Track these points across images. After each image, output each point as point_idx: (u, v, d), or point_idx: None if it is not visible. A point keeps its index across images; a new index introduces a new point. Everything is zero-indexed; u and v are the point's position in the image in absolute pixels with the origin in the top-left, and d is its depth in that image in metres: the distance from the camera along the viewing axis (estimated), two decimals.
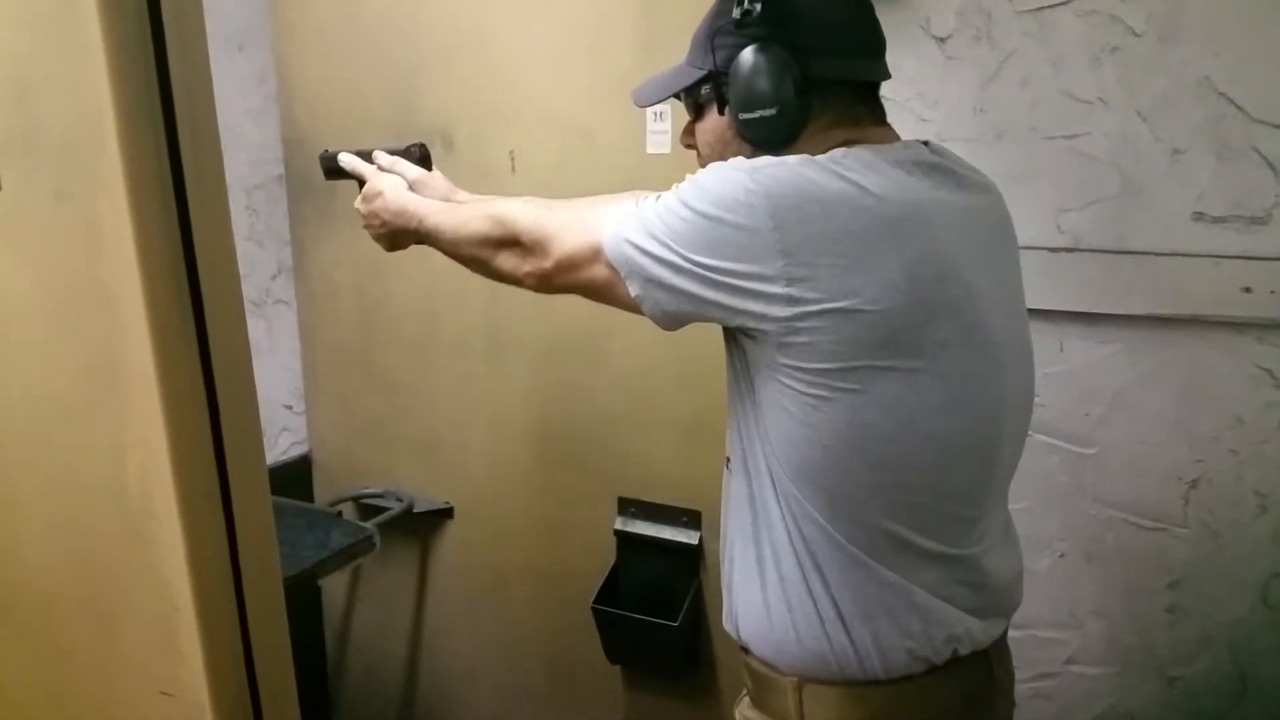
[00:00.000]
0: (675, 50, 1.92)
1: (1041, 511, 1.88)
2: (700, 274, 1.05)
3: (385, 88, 2.21)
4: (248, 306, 2.61)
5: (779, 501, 1.14)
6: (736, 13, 1.15)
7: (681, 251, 1.05)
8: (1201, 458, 1.76)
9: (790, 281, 1.01)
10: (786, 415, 1.09)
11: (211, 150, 0.90)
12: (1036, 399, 1.79)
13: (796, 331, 1.03)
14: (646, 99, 1.33)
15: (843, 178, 1.04)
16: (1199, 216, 1.69)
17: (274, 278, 2.58)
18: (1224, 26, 1.62)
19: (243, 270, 2.55)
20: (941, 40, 1.80)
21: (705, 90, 1.24)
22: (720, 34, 1.20)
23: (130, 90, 0.83)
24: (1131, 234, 1.73)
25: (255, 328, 2.62)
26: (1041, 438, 1.85)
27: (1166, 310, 1.72)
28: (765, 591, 1.18)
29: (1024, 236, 1.76)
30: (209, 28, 2.54)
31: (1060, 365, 1.81)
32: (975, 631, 1.18)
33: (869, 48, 1.22)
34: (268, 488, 0.98)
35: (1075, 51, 1.72)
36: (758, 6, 1.13)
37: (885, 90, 1.82)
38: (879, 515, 1.11)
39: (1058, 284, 1.77)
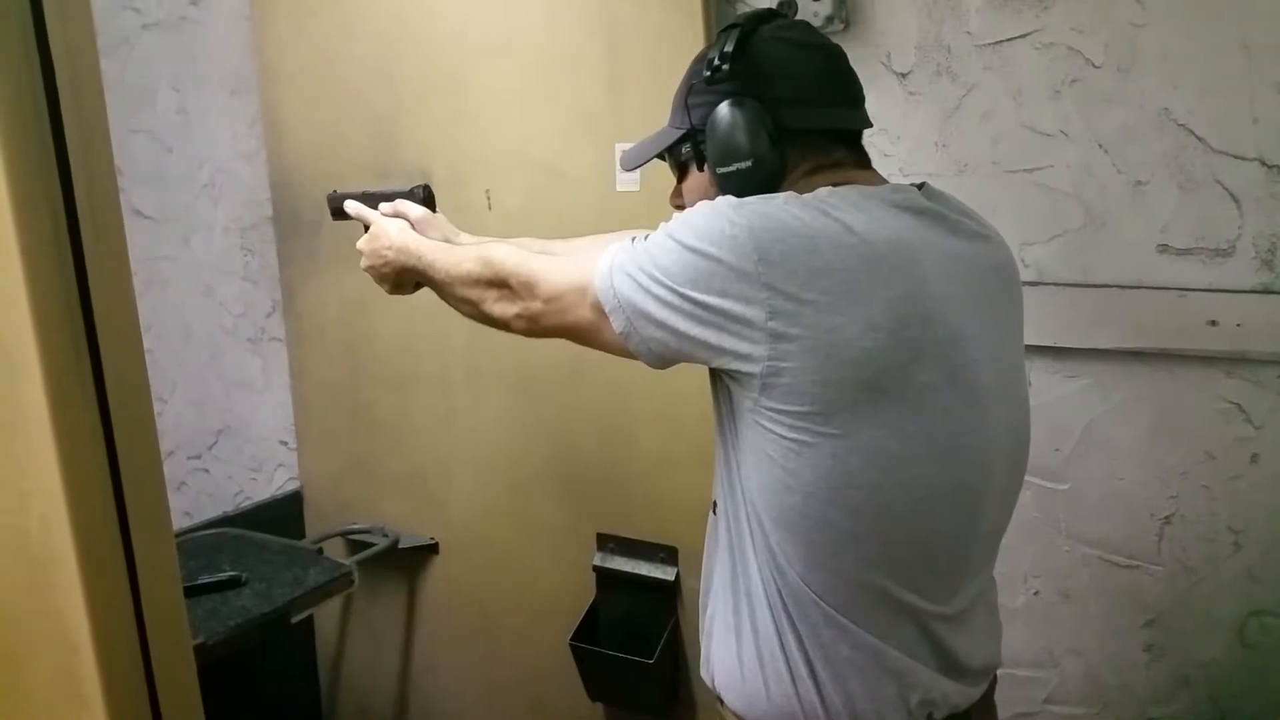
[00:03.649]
0: (641, 90, 1.95)
1: (1015, 549, 1.85)
2: (687, 309, 1.04)
3: (367, 130, 2.26)
4: (244, 344, 2.66)
5: (757, 552, 1.13)
6: (707, 70, 1.17)
7: (670, 285, 1.05)
8: (1174, 493, 1.73)
9: (773, 315, 1.00)
10: (768, 461, 1.08)
11: (108, 195, 0.91)
12: None
13: (779, 372, 1.02)
14: (631, 162, 1.35)
15: (828, 215, 1.04)
16: (1163, 248, 1.67)
17: (269, 315, 2.62)
18: (1180, 58, 1.61)
19: (239, 309, 2.61)
20: (903, 75, 1.80)
21: (685, 149, 1.25)
22: (694, 93, 1.21)
23: (21, 145, 0.85)
24: (1096, 267, 1.72)
25: (251, 365, 2.66)
26: None
27: (1133, 344, 1.70)
28: (740, 643, 1.17)
29: None
30: (202, 71, 2.60)
31: (1030, 400, 1.79)
32: (952, 695, 1.15)
33: (844, 97, 1.22)
34: (170, 531, 0.99)
35: (1035, 84, 1.71)
36: (726, 62, 1.14)
37: None
38: (858, 566, 1.09)
39: (1024, 318, 1.74)
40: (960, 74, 1.76)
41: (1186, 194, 1.64)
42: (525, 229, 2.06)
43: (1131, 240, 1.69)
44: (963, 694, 1.17)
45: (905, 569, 1.10)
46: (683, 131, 1.24)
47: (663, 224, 1.10)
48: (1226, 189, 1.62)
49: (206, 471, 2.81)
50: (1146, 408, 1.73)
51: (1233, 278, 1.63)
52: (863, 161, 1.23)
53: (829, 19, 1.77)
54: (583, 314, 1.14)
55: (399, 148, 2.22)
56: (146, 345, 2.76)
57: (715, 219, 1.04)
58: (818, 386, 1.01)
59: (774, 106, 1.15)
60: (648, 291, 1.06)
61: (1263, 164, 1.59)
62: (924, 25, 1.77)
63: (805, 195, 1.08)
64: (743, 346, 1.02)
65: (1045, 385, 1.78)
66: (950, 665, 1.15)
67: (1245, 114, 1.59)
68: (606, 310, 1.10)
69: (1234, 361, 1.65)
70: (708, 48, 1.21)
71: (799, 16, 1.74)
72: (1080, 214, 1.71)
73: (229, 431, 2.76)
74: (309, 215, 2.39)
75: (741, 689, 1.17)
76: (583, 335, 1.17)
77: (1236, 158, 1.60)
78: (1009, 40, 1.71)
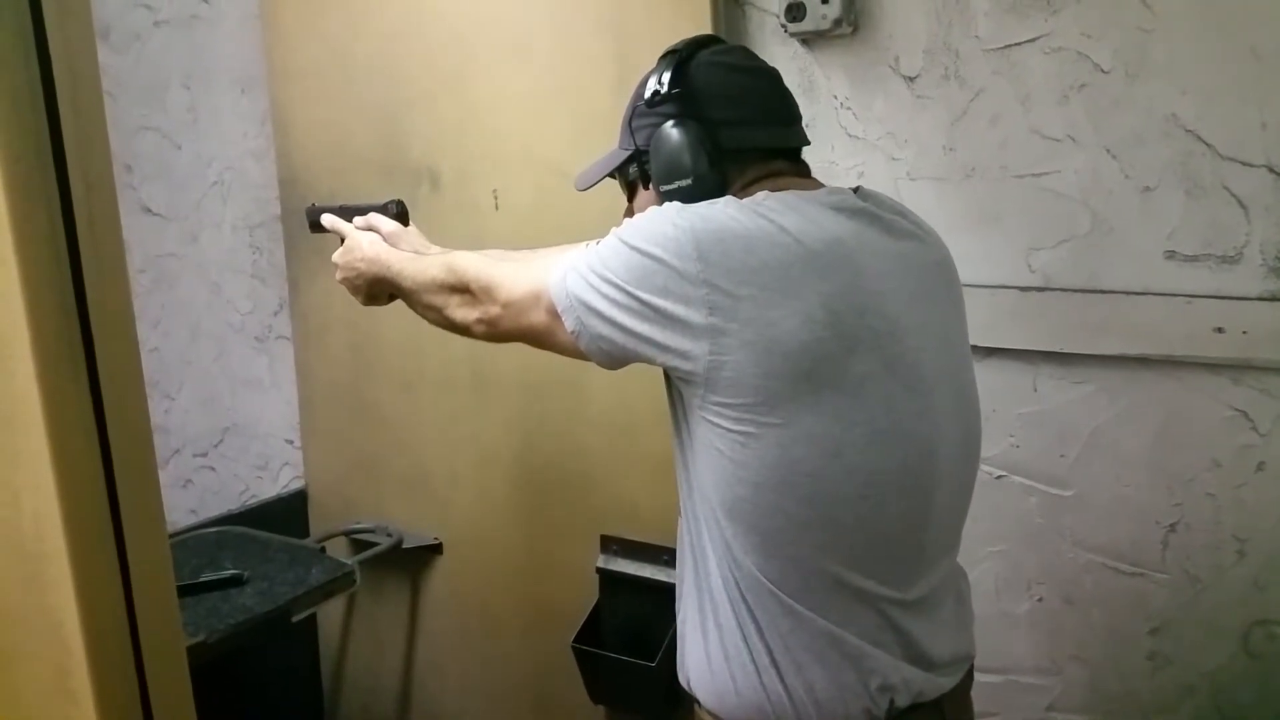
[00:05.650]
0: None
1: (1019, 554, 1.85)
2: (635, 307, 1.10)
3: (374, 129, 2.26)
4: (251, 342, 2.66)
5: (715, 548, 1.17)
6: (648, 93, 1.24)
7: (617, 283, 1.10)
8: (1179, 501, 1.72)
9: (712, 310, 1.05)
10: (717, 455, 1.12)
11: (105, 190, 0.91)
12: (1011, 439, 1.79)
13: (721, 365, 1.06)
14: (583, 183, 1.42)
15: (764, 217, 1.10)
16: (1170, 255, 1.66)
17: (276, 313, 2.63)
18: (1189, 63, 1.60)
19: (247, 307, 2.61)
20: (910, 79, 1.79)
21: (632, 169, 1.32)
22: (638, 115, 1.28)
23: (17, 140, 0.85)
24: (1103, 273, 1.71)
25: (258, 363, 2.67)
26: (1018, 479, 1.82)
27: (1139, 350, 1.69)
28: (706, 640, 1.20)
29: (995, 276, 1.76)
30: (213, 69, 2.61)
31: (1035, 405, 1.79)
32: (915, 682, 1.17)
33: (780, 117, 1.28)
34: (164, 528, 0.99)
35: (1044, 89, 1.70)
36: (665, 85, 1.21)
37: (856, 130, 1.84)
38: (811, 553, 1.12)
39: (1030, 323, 1.74)
40: (968, 78, 1.75)
41: (1194, 200, 1.63)
42: (533, 228, 2.07)
43: (1138, 246, 1.68)
44: (930, 683, 1.19)
45: (858, 554, 1.14)
46: (629, 152, 1.30)
47: (614, 229, 1.16)
48: (1234, 195, 1.61)
49: (213, 469, 2.81)
50: (1152, 414, 1.71)
51: (1240, 285, 1.62)
52: (801, 170, 1.29)
53: (837, 21, 1.77)
54: (538, 316, 1.19)
55: (407, 146, 2.22)
56: (154, 343, 2.80)
57: (659, 222, 1.11)
58: (758, 378, 1.06)
59: (712, 127, 1.21)
60: (597, 290, 1.12)
61: (1271, 171, 1.58)
62: (932, 29, 1.76)
63: (744, 200, 1.14)
64: (685, 344, 1.07)
65: (1051, 391, 1.77)
66: (913, 653, 1.18)
67: (1254, 120, 1.58)
68: (559, 311, 1.15)
69: (1240, 369, 1.63)
70: (649, 72, 1.27)
71: (806, 19, 1.77)
72: (1087, 219, 1.71)
73: (235, 429, 2.76)
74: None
75: (712, 686, 1.20)
76: (539, 338, 1.22)
77: (1245, 164, 1.59)
78: (1017, 45, 1.71)
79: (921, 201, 1.73)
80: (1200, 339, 1.64)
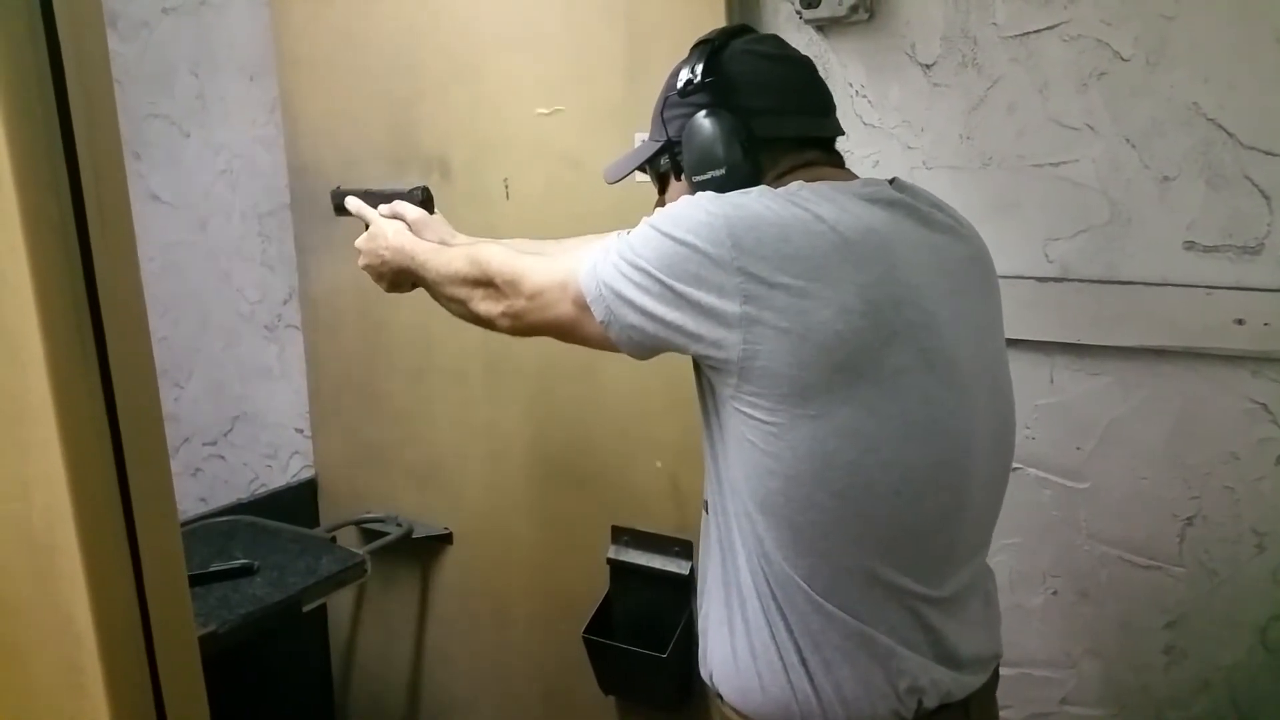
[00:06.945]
0: (661, 80, 1.93)
1: (1034, 547, 1.83)
2: (666, 295, 1.08)
3: (385, 117, 2.25)
4: (261, 331, 2.66)
5: (745, 543, 1.15)
6: (681, 82, 1.22)
7: (648, 270, 1.09)
8: (1197, 494, 1.70)
9: (747, 300, 1.04)
10: (750, 446, 1.10)
11: (115, 179, 0.90)
12: (1027, 431, 1.77)
13: (755, 355, 1.05)
14: (613, 176, 1.40)
15: (799, 206, 1.08)
16: (1190, 245, 1.64)
17: (285, 302, 2.62)
18: (1211, 51, 1.58)
19: (256, 296, 2.61)
20: (927, 67, 1.77)
21: (664, 161, 1.30)
22: (670, 105, 1.27)
23: (26, 128, 0.84)
24: (1121, 263, 1.69)
25: (267, 352, 2.66)
26: (1033, 471, 1.81)
27: (1158, 342, 1.67)
28: (733, 636, 1.19)
29: (1012, 266, 1.74)
30: (221, 56, 2.60)
31: (1051, 397, 1.77)
32: (944, 682, 1.16)
33: (814, 106, 1.27)
34: (176, 519, 0.98)
35: (1062, 77, 1.68)
36: (698, 75, 1.20)
37: (872, 118, 1.82)
38: (843, 548, 1.11)
39: (1047, 314, 1.72)
40: (986, 66, 1.73)
41: (1215, 190, 1.61)
42: (543, 218, 2.05)
43: (1157, 237, 1.66)
44: (958, 682, 1.18)
45: (891, 550, 1.12)
46: (660, 144, 1.29)
47: (645, 218, 1.14)
48: (1256, 185, 1.58)
49: (222, 458, 2.81)
50: (1170, 407, 1.70)
51: (1261, 276, 1.60)
52: (835, 161, 1.28)
53: (853, 8, 1.74)
54: (564, 309, 1.18)
55: (417, 135, 2.21)
56: (163, 331, 2.79)
57: (693, 209, 1.09)
58: (793, 369, 1.04)
59: (745, 116, 1.19)
60: (628, 278, 1.10)
61: None
62: (950, 16, 1.74)
63: (779, 189, 1.12)
64: (718, 333, 1.06)
65: (1067, 382, 1.76)
66: (943, 652, 1.17)
67: (1277, 109, 1.55)
68: (588, 300, 1.14)
69: (1260, 361, 1.61)
70: (681, 62, 1.25)
71: (822, 5, 1.75)
72: (1106, 209, 1.68)
73: (245, 418, 2.76)
74: (326, 202, 2.37)
75: (736, 682, 1.19)
76: (565, 330, 1.21)
77: (1267, 153, 1.57)
78: (1036, 32, 1.68)
79: (938, 191, 1.68)
80: (1220, 331, 1.62)
